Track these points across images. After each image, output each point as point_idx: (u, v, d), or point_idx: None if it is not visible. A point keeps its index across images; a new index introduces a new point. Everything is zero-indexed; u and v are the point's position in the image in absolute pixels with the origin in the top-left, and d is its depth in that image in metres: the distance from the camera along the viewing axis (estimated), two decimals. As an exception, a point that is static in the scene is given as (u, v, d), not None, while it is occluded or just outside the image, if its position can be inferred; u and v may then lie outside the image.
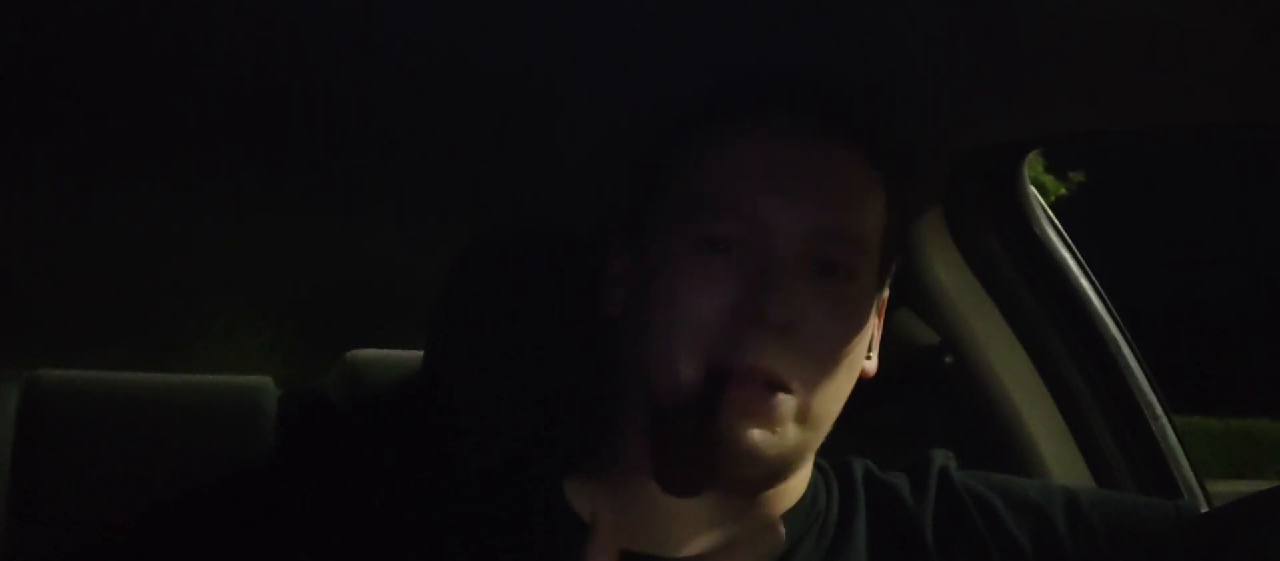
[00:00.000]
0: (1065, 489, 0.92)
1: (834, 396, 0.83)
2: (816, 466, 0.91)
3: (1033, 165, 1.21)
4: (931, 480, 0.90)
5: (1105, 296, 1.22)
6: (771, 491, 0.85)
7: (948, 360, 1.19)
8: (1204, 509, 1.11)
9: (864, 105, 0.87)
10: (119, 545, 1.23)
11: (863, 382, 0.89)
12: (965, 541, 0.87)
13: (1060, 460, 1.18)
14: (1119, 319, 1.22)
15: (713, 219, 0.81)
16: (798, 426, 0.81)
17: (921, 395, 1.21)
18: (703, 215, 0.82)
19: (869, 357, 0.88)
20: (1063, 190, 11.50)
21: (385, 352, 1.42)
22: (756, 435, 0.79)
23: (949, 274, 1.19)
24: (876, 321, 0.89)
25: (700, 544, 0.83)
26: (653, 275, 0.83)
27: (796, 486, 0.88)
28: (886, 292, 0.90)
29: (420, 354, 1.14)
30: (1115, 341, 1.21)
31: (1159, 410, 1.20)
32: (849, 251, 0.82)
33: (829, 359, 0.81)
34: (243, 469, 1.28)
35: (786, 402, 0.79)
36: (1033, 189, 1.20)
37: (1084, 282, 1.21)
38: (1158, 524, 0.88)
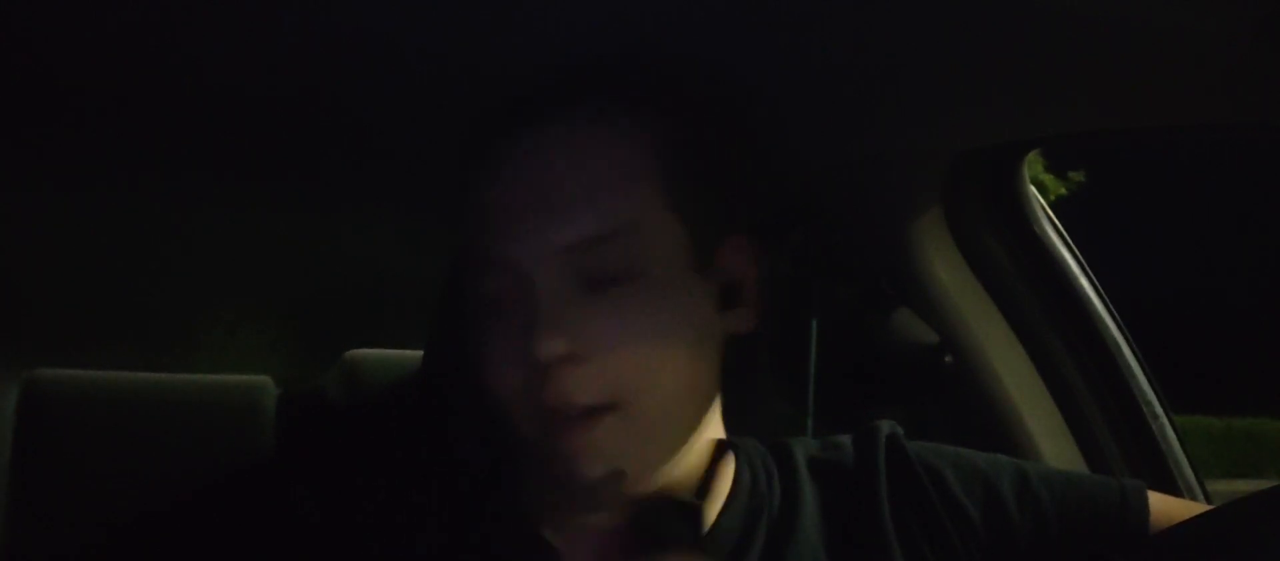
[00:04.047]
0: (1014, 462, 0.91)
1: (668, 386, 0.80)
2: (752, 450, 0.90)
3: (1033, 165, 1.21)
4: (879, 452, 0.89)
5: (1105, 296, 1.22)
6: (672, 478, 0.83)
7: (948, 360, 1.19)
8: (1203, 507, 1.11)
9: (646, 81, 0.84)
10: (118, 544, 1.23)
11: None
12: (919, 512, 0.86)
13: (1060, 459, 1.18)
14: (1119, 319, 1.22)
15: (482, 277, 0.80)
16: (636, 433, 0.79)
17: (921, 395, 1.20)
18: (476, 272, 0.81)
19: (738, 314, 0.85)
20: (1063, 190, 11.51)
21: (385, 352, 1.42)
22: (593, 464, 0.78)
23: (949, 274, 1.19)
24: (750, 271, 0.86)
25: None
26: (469, 330, 0.83)
27: (708, 467, 0.86)
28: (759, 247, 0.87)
29: (420, 354, 1.14)
30: (1115, 341, 1.20)
31: (1159, 409, 1.20)
32: (617, 255, 0.78)
33: (640, 359, 0.78)
34: (242, 468, 1.28)
35: (612, 419, 0.77)
36: (1033, 189, 1.20)
37: (1084, 282, 1.21)
38: (1105, 501, 0.87)
